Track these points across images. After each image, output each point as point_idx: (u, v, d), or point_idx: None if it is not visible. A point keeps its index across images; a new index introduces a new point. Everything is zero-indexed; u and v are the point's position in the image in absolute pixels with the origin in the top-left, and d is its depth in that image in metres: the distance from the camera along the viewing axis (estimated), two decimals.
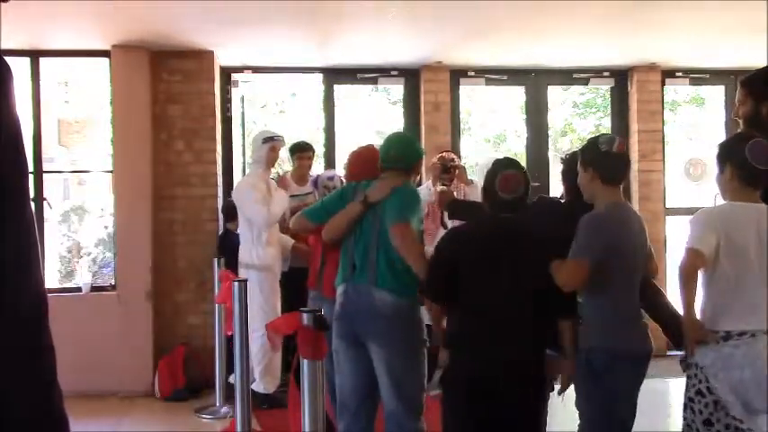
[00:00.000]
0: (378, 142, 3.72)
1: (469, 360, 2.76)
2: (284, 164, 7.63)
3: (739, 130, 3.14)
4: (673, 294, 3.25)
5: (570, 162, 3.13)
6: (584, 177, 2.91)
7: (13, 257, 1.41)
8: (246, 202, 4.99)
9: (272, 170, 5.41)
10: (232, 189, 5.56)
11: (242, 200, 5.05)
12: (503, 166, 2.84)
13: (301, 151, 5.69)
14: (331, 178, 5.11)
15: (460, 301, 2.80)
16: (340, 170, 5.52)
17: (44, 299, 1.49)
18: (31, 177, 5.68)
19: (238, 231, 5.24)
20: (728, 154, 2.73)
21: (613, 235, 2.81)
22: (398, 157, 3.28)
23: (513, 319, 2.72)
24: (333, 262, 3.52)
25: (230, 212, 5.58)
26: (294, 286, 4.86)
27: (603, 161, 2.83)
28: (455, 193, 5.37)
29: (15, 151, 1.45)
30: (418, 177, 4.18)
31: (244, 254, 5.10)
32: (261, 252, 5.06)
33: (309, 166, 5.77)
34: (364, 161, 3.67)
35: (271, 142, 5.10)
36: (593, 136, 3.00)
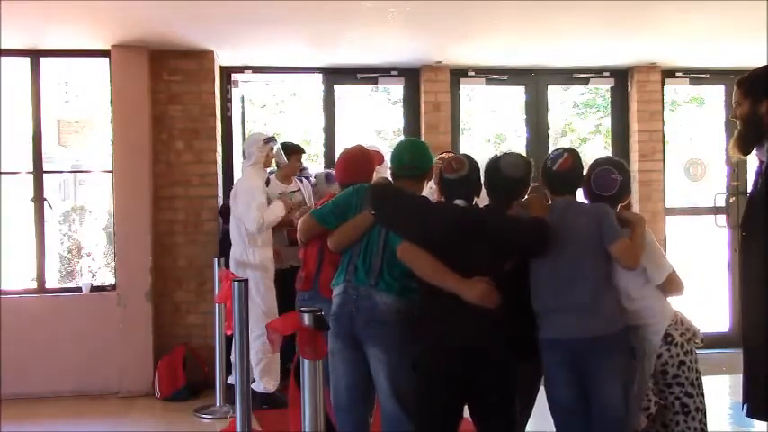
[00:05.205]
0: (378, 142, 3.70)
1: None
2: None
3: (606, 156, 3.50)
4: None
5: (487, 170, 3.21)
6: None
7: None
8: (251, 204, 4.95)
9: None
10: (231, 189, 5.49)
11: (244, 202, 4.99)
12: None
13: (298, 153, 5.69)
14: (328, 177, 5.13)
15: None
16: None
17: None
18: (31, 177, 5.73)
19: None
20: (584, 179, 3.21)
21: None
22: (412, 166, 3.23)
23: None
24: (330, 261, 3.52)
25: (228, 213, 5.57)
26: (290, 286, 4.88)
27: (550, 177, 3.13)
28: None
29: None
30: (430, 182, 4.15)
31: (237, 253, 5.10)
32: (256, 251, 5.06)
33: (299, 167, 5.79)
34: (354, 162, 3.66)
35: (272, 143, 5.15)
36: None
